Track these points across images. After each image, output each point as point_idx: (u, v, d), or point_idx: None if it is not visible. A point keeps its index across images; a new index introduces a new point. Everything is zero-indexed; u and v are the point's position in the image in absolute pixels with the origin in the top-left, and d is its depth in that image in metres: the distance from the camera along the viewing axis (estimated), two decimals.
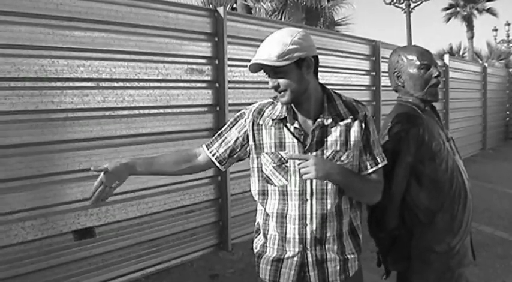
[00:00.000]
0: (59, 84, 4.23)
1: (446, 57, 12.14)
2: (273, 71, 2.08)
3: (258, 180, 2.25)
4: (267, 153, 2.19)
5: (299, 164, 2.04)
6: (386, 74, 2.82)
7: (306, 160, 2.02)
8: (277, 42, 2.05)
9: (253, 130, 2.22)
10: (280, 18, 16.21)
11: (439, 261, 2.52)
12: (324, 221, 2.14)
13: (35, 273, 4.10)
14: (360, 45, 8.50)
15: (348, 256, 2.23)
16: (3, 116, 3.92)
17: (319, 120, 2.12)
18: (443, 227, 2.50)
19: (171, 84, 5.13)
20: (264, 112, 2.23)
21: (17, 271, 3.99)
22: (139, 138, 4.80)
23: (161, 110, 5.03)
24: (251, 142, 2.23)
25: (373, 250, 2.72)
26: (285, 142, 2.16)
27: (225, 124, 2.36)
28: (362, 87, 8.52)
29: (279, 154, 2.16)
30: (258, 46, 2.15)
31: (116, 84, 4.64)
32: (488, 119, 14.70)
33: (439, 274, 2.54)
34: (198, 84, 5.44)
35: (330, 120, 2.13)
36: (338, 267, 2.20)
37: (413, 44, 12.45)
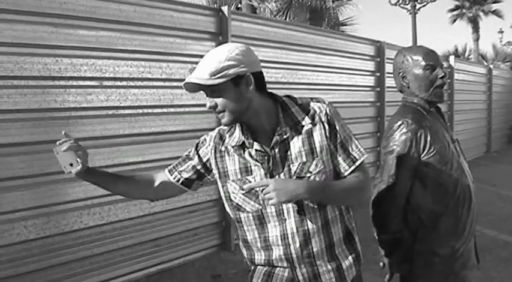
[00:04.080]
0: (62, 83, 4.22)
1: (452, 58, 12.10)
2: (209, 90, 1.94)
3: (230, 209, 2.15)
4: (233, 181, 2.07)
5: (262, 191, 1.92)
6: (391, 75, 2.80)
7: (266, 185, 1.88)
8: (211, 59, 1.91)
9: (215, 158, 2.12)
10: (285, 19, 16.20)
11: (443, 264, 2.50)
12: (307, 238, 2.01)
13: (36, 272, 4.09)
14: (364, 45, 8.47)
15: (343, 264, 2.09)
16: (6, 115, 3.91)
17: (276, 136, 1.98)
18: (447, 230, 2.48)
19: (174, 84, 5.11)
20: (225, 138, 2.11)
21: (19, 270, 3.99)
22: (143, 138, 4.79)
23: (165, 110, 5.02)
24: (215, 170, 2.13)
25: (375, 252, 2.69)
26: (250, 166, 2.03)
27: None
28: (366, 88, 8.49)
29: (246, 180, 2.04)
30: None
31: (119, 84, 4.63)
32: (493, 122, 14.63)
33: (442, 277, 2.52)
34: None
35: (288, 132, 1.99)
36: (334, 279, 2.07)
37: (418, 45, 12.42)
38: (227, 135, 2.11)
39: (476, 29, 37.59)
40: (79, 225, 4.35)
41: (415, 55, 2.59)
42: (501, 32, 39.57)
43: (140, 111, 4.80)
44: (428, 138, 2.44)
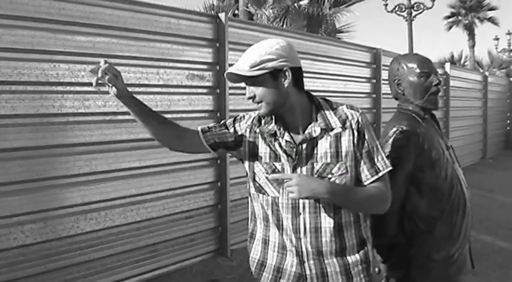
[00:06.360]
0: (60, 88, 4.23)
1: (447, 65, 12.15)
2: (249, 81, 2.06)
3: (252, 187, 2.22)
4: (261, 163, 2.15)
5: (285, 183, 1.99)
6: (387, 82, 2.83)
7: (290, 179, 1.96)
8: (253, 52, 2.02)
9: (249, 137, 2.19)
10: (282, 25, 16.21)
11: (438, 269, 2.52)
12: (319, 236, 2.07)
13: (33, 277, 4.08)
14: (361, 52, 8.51)
15: (352, 270, 2.12)
16: (4, 120, 3.92)
17: (306, 132, 2.06)
18: (443, 235, 2.50)
19: (172, 90, 5.14)
20: (262, 121, 2.19)
21: (16, 275, 3.98)
22: (140, 143, 4.79)
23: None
24: (246, 148, 2.19)
25: None
26: (279, 154, 2.11)
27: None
28: (363, 95, 8.52)
29: (273, 165, 2.12)
30: None
31: None
32: (488, 128, 14.69)
33: None
34: (199, 90, 5.44)
35: (318, 132, 2.06)
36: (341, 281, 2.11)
37: (414, 52, 12.47)
38: (264, 121, 2.19)
39: (472, 36, 37.75)
40: (76, 230, 4.35)
41: (410, 62, 2.62)
42: (497, 39, 39.73)
43: None
44: (423, 144, 2.47)
